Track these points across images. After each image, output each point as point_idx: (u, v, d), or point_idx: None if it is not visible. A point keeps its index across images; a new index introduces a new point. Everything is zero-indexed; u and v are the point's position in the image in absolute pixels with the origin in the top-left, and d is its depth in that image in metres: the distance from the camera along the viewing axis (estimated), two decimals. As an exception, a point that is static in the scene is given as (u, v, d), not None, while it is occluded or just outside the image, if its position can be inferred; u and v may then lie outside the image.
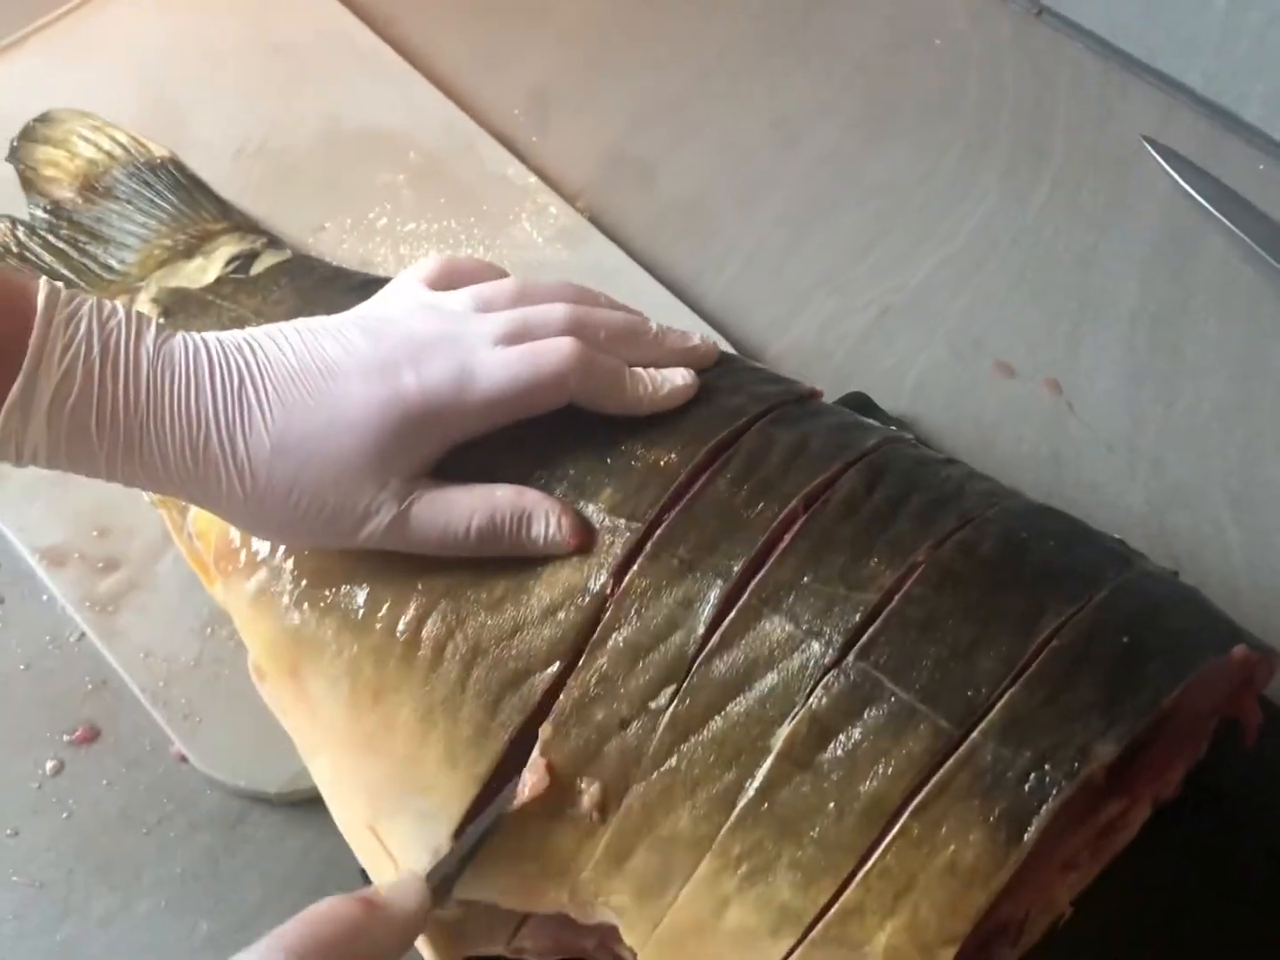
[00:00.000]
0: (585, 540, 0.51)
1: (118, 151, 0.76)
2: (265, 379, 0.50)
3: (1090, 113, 0.81)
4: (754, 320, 0.74)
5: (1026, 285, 0.75)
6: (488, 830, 0.48)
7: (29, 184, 0.75)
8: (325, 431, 0.49)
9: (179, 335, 0.50)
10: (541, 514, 0.51)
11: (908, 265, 0.76)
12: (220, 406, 0.49)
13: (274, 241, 0.72)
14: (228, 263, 0.69)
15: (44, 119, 0.77)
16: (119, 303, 0.50)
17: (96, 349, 0.48)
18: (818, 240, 0.77)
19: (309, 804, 0.60)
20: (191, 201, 0.74)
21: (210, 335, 0.51)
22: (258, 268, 0.69)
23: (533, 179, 0.78)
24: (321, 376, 0.50)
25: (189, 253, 0.71)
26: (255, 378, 0.50)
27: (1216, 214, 0.76)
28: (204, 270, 0.69)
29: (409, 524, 0.50)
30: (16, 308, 0.47)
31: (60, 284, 0.49)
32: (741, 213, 0.78)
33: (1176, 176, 0.78)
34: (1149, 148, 0.79)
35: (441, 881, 0.47)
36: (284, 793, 0.60)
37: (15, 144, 0.76)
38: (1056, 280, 0.75)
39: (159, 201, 0.74)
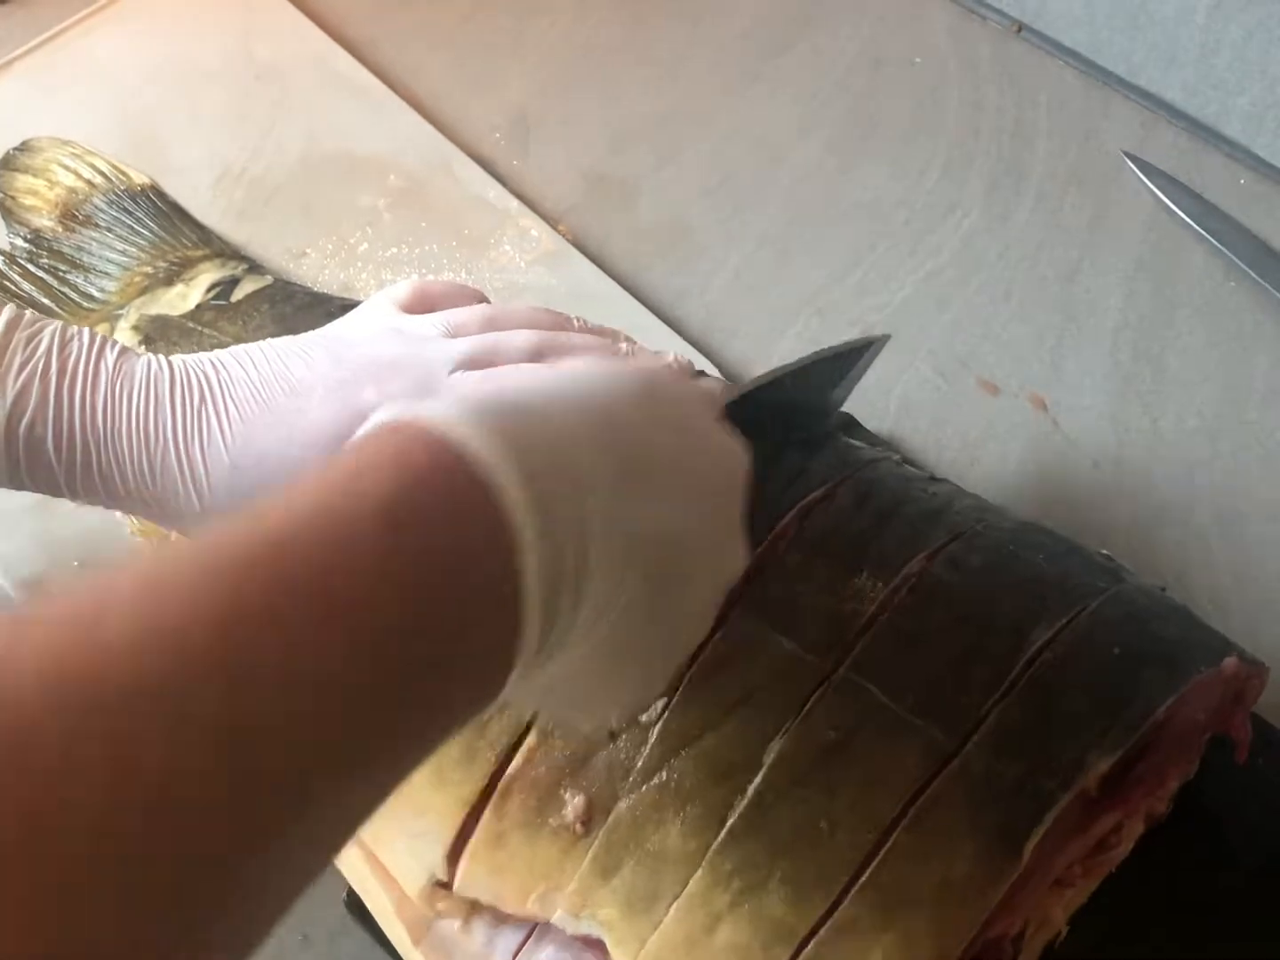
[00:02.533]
0: None
1: (98, 179, 0.76)
2: (226, 396, 0.50)
3: (1071, 129, 0.81)
4: (738, 341, 0.74)
5: (1010, 302, 0.75)
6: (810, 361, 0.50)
7: (9, 213, 0.74)
8: (283, 447, 0.49)
9: (143, 356, 0.51)
10: None
11: (891, 284, 0.75)
12: (179, 421, 0.49)
13: (255, 267, 0.72)
14: (208, 289, 0.69)
15: (23, 148, 0.77)
16: (85, 327, 0.50)
17: (54, 365, 0.48)
18: (801, 260, 0.77)
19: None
20: (172, 229, 0.74)
21: (176, 357, 0.51)
22: (238, 294, 0.68)
23: (514, 202, 0.77)
24: (282, 394, 0.50)
25: (169, 280, 0.70)
26: (216, 395, 0.50)
27: (1198, 228, 0.76)
28: (184, 297, 0.69)
29: None
30: None
31: (28, 310, 0.50)
32: (724, 233, 0.78)
33: (1158, 192, 0.78)
34: (1130, 163, 0.79)
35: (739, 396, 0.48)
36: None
37: (-5, 173, 0.76)
38: (1040, 297, 0.75)
39: (139, 229, 0.74)
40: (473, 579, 0.32)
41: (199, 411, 0.49)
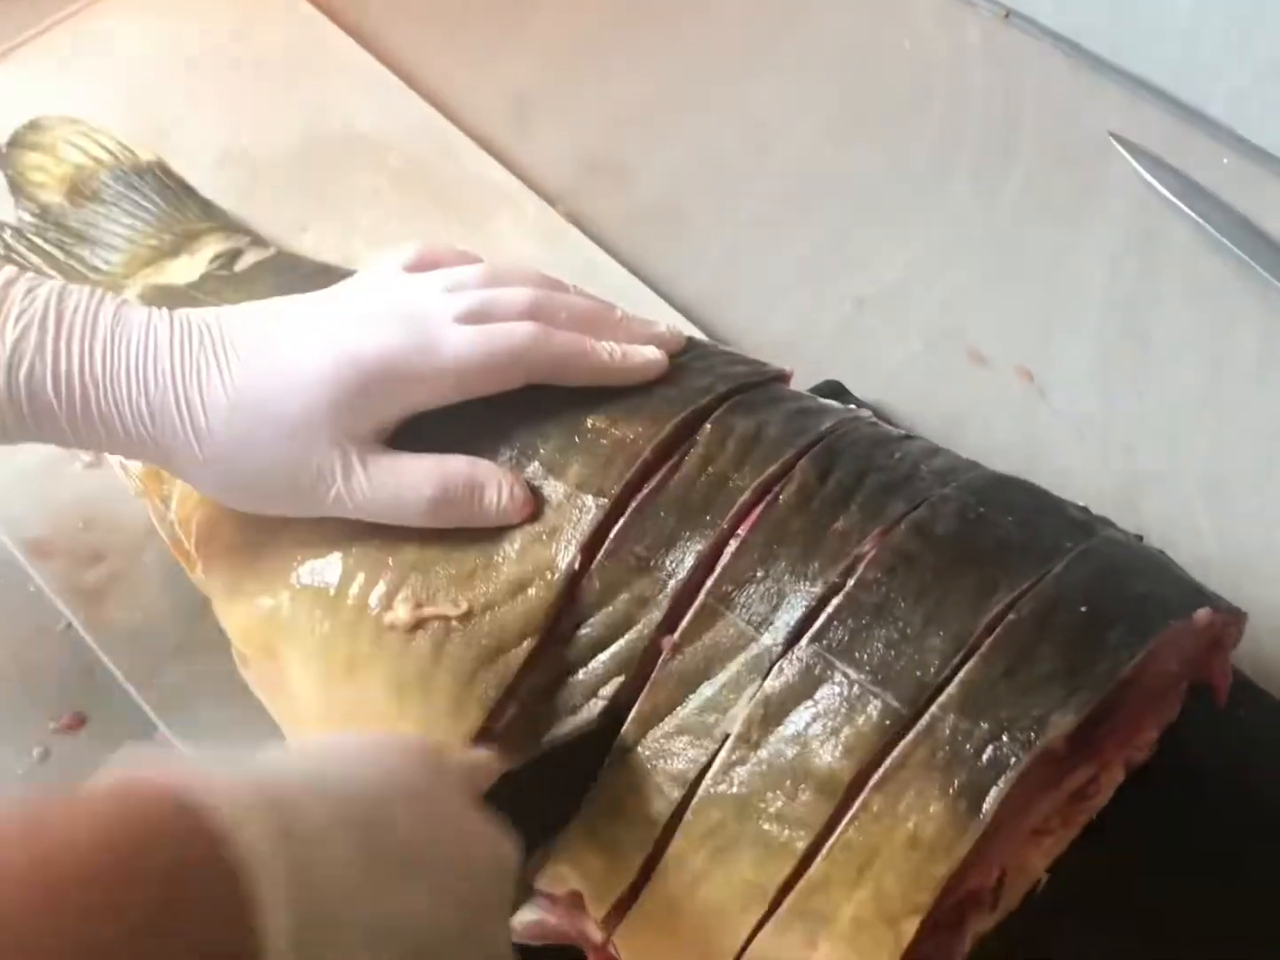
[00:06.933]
0: (536, 510, 0.52)
1: (104, 156, 0.77)
2: (225, 341, 0.51)
3: (1058, 111, 0.83)
4: (731, 315, 0.75)
5: (998, 278, 0.76)
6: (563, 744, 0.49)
7: (17, 189, 0.76)
8: (282, 391, 0.50)
9: (142, 308, 0.52)
10: (493, 484, 0.52)
11: (881, 260, 0.77)
12: (177, 365, 0.50)
13: (258, 240, 0.73)
14: (212, 260, 0.70)
15: (32, 126, 0.78)
16: (84, 286, 0.51)
17: (52, 314, 0.50)
18: (792, 237, 0.78)
19: (292, 787, 0.61)
20: (177, 203, 0.76)
21: (177, 311, 0.52)
22: (241, 264, 0.70)
23: (513, 181, 0.79)
24: (282, 340, 0.51)
25: (174, 251, 0.72)
26: (215, 340, 0.51)
27: (1183, 207, 0.77)
28: (189, 268, 0.70)
29: (363, 488, 0.51)
30: None
31: (29, 271, 0.51)
32: (718, 212, 0.79)
33: (1144, 172, 0.79)
34: (1116, 144, 0.80)
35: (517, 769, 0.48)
36: (267, 774, 0.60)
37: (3, 150, 0.77)
38: (1028, 272, 0.76)
39: (144, 204, 0.75)
40: None
41: (197, 356, 0.51)
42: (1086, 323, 0.74)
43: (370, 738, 0.44)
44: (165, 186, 0.76)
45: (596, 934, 0.49)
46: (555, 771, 0.50)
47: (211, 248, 0.71)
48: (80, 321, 0.50)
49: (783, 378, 0.59)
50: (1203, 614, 0.50)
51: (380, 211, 0.78)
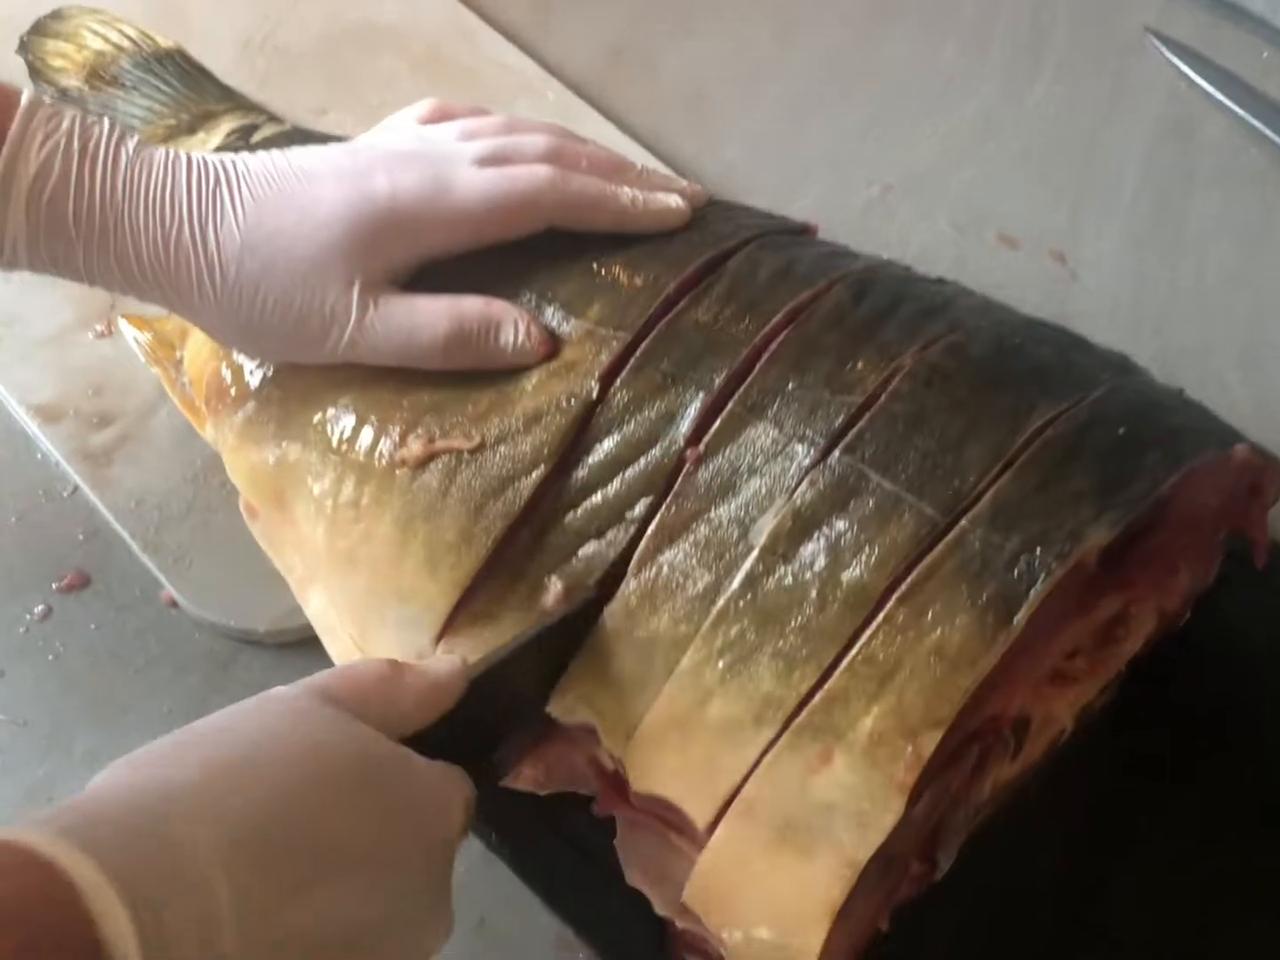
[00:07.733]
0: (553, 349, 0.51)
1: (125, 43, 0.76)
2: (240, 180, 0.51)
3: (1092, 6, 0.81)
4: (756, 200, 0.73)
5: (1029, 163, 0.75)
6: (536, 634, 0.47)
7: (37, 73, 0.75)
8: (295, 228, 0.50)
9: (161, 148, 0.51)
10: (510, 322, 0.51)
11: (909, 146, 0.76)
12: (194, 201, 0.50)
13: (274, 118, 0.72)
14: (228, 135, 0.70)
15: (55, 15, 0.77)
16: (105, 117, 0.51)
17: (76, 144, 0.49)
18: (819, 126, 0.77)
19: (296, 646, 0.59)
20: (196, 86, 0.75)
21: (195, 152, 0.52)
22: (257, 137, 0.69)
23: (533, 66, 0.78)
24: (296, 179, 0.51)
25: (191, 129, 0.71)
26: (231, 179, 0.51)
27: (1220, 96, 0.76)
28: (205, 143, 0.69)
29: (375, 329, 0.50)
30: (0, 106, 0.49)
31: (47, 96, 0.50)
32: (743, 100, 0.79)
33: (1180, 64, 0.78)
34: (1152, 38, 0.79)
35: (485, 670, 0.45)
36: (273, 630, 0.59)
37: (25, 38, 0.77)
38: (1059, 159, 0.75)
39: (164, 87, 0.74)
40: None
41: (214, 193, 0.50)
42: (1119, 207, 0.73)
43: (271, 701, 0.41)
44: (185, 72, 0.76)
45: (608, 761, 0.48)
46: (533, 658, 0.48)
47: (228, 125, 0.71)
48: (103, 153, 0.49)
49: (808, 230, 0.58)
50: (1242, 449, 0.49)
51: (400, 97, 0.76)
